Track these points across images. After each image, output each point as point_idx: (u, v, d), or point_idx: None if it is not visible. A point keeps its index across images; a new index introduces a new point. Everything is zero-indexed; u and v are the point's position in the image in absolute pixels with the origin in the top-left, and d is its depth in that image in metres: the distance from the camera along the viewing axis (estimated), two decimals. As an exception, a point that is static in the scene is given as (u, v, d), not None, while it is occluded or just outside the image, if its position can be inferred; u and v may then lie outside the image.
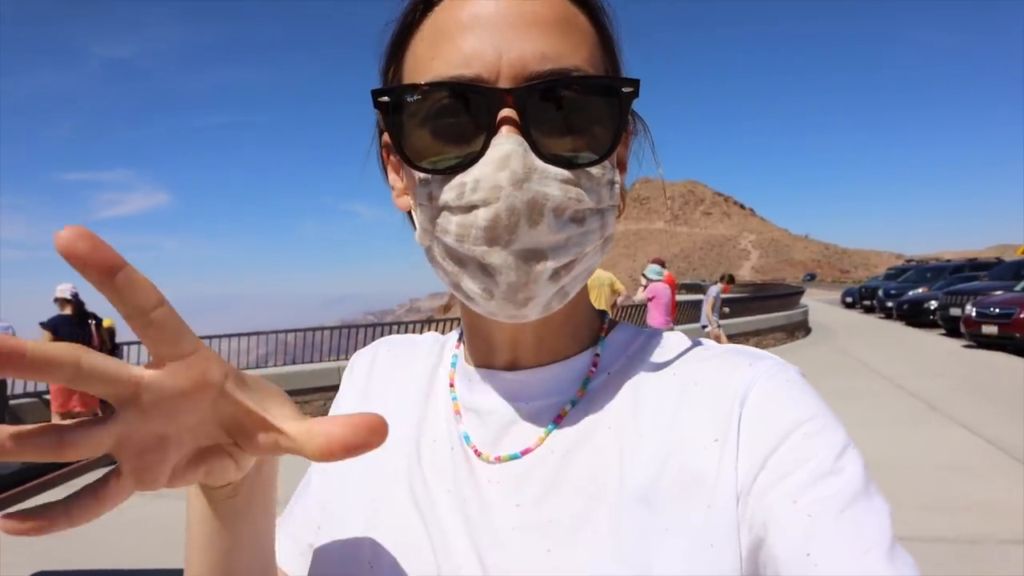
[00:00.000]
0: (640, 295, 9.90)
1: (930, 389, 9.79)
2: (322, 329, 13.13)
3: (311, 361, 11.06)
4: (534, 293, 0.53)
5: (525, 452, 0.60)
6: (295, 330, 12.49)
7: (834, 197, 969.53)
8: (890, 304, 25.31)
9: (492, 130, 0.52)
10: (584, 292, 0.65)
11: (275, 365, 11.69)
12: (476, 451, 0.62)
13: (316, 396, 8.92)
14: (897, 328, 21.47)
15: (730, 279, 12.42)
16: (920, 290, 23.95)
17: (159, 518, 4.60)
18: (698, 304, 13.83)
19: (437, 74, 0.54)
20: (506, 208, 0.50)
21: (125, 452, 0.40)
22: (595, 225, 0.55)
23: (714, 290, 12.09)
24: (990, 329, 14.25)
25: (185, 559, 0.58)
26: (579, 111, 0.54)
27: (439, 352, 0.74)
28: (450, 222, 0.53)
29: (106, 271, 0.36)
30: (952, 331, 17.26)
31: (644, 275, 9.93)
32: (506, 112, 0.51)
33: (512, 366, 0.63)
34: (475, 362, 0.66)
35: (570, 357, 0.63)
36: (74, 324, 7.54)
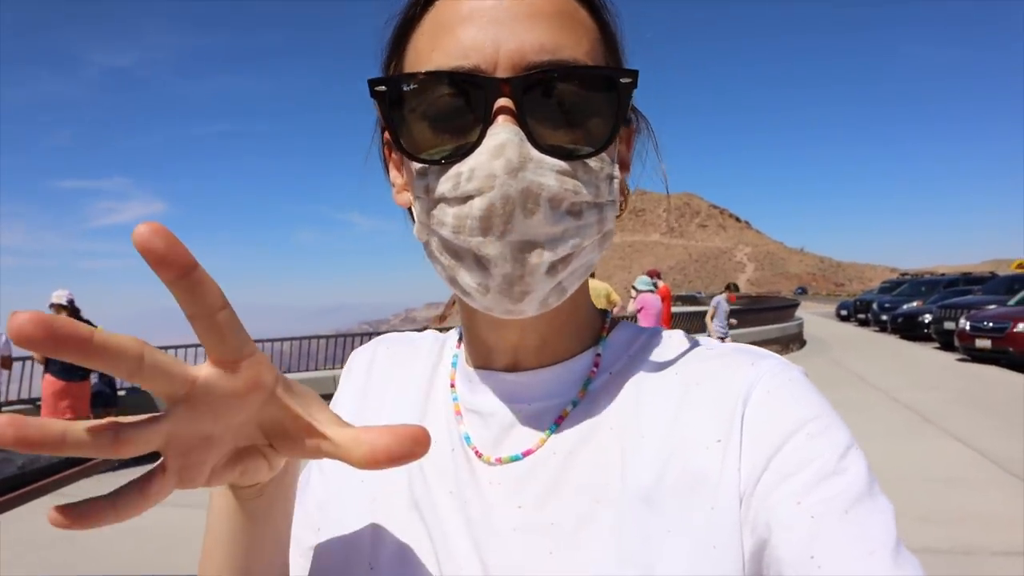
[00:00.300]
0: (631, 306, 9.94)
1: (924, 402, 9.80)
2: (317, 338, 13.10)
3: (306, 370, 11.06)
4: (530, 287, 0.53)
5: (526, 454, 0.60)
6: (290, 339, 12.47)
7: (830, 210, 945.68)
8: (885, 317, 25.36)
9: (488, 120, 0.51)
10: (586, 292, 0.65)
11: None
12: (477, 452, 0.62)
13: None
14: (891, 341, 21.53)
15: (734, 288, 12.37)
16: (914, 304, 24.07)
17: (155, 526, 4.57)
18: (693, 316, 13.84)
19: (436, 65, 0.54)
20: (500, 197, 0.50)
21: (172, 450, 0.40)
22: (592, 219, 0.54)
23: (717, 300, 12.09)
24: (984, 343, 14.30)
25: (203, 559, 0.58)
26: (577, 102, 0.53)
27: (439, 351, 0.73)
28: (447, 214, 0.53)
29: (181, 270, 0.37)
30: (946, 345, 17.32)
31: (634, 287, 9.98)
32: (502, 102, 0.51)
33: (513, 367, 0.63)
34: (475, 363, 0.66)
35: (571, 358, 0.63)
36: (68, 331, 7.48)
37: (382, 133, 0.66)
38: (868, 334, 25.45)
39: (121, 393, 8.79)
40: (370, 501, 0.63)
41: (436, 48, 0.55)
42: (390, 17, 0.61)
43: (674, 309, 12.99)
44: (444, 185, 0.53)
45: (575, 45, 0.54)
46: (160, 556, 4.63)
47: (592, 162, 0.54)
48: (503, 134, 0.50)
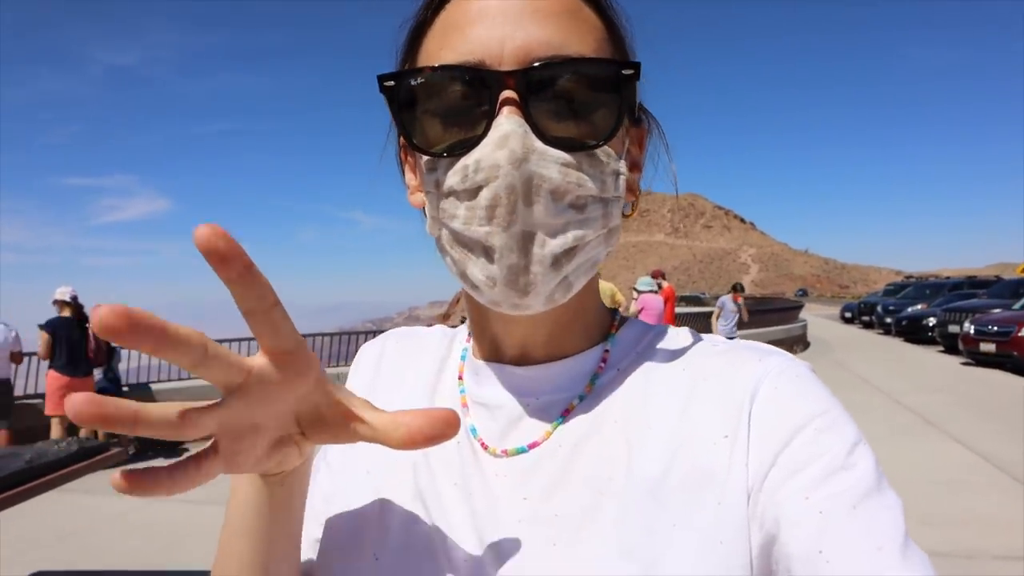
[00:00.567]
0: (633, 307, 9.94)
1: (927, 405, 9.79)
2: (320, 335, 13.13)
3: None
4: (535, 279, 0.53)
5: (532, 446, 0.60)
6: (293, 336, 12.41)
7: (834, 212, 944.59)
8: (889, 320, 25.35)
9: (494, 112, 0.52)
10: (594, 289, 0.65)
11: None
12: (483, 444, 0.62)
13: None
14: (895, 344, 21.49)
15: (740, 288, 12.34)
16: (919, 307, 23.99)
17: (155, 521, 4.59)
18: (698, 317, 13.81)
19: (444, 62, 0.55)
20: (505, 187, 0.51)
21: (224, 436, 0.44)
22: (597, 213, 0.55)
23: (722, 300, 12.07)
24: (988, 347, 14.25)
25: (220, 555, 0.59)
26: (581, 95, 0.54)
27: (448, 345, 0.74)
28: (457, 207, 0.54)
29: (241, 268, 0.40)
30: (950, 348, 17.28)
31: (635, 288, 9.99)
32: (507, 94, 0.52)
33: (521, 361, 0.63)
34: (484, 356, 0.66)
35: (580, 353, 0.63)
36: (73, 326, 7.52)
37: (398, 136, 0.66)
38: (872, 337, 25.41)
39: (125, 390, 8.83)
40: (375, 492, 0.63)
41: (445, 47, 0.56)
42: (403, 21, 0.62)
43: (678, 310, 12.94)
44: (453, 178, 0.54)
45: (581, 42, 0.55)
46: (162, 552, 4.66)
47: (598, 156, 0.55)
48: (507, 125, 0.51)
